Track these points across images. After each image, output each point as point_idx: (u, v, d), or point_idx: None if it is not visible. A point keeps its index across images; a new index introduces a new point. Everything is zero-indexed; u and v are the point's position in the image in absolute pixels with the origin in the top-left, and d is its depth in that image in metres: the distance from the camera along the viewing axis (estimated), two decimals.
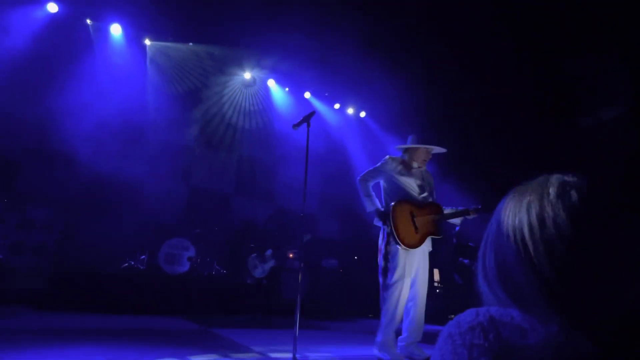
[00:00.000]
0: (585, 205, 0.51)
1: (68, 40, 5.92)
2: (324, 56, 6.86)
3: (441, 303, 6.82)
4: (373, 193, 3.00)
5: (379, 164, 3.04)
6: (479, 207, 2.82)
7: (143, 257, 5.53)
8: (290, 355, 2.48)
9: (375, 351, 2.77)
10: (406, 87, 6.76)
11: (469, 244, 5.57)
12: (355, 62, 6.79)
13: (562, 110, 5.43)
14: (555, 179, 0.56)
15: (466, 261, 5.54)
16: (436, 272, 7.56)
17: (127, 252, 5.55)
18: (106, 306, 4.47)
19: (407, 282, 2.77)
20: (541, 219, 0.52)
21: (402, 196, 2.90)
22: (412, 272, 2.81)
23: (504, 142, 5.60)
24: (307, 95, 7.90)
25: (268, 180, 7.63)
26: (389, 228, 2.79)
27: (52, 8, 5.78)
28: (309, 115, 2.83)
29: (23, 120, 5.48)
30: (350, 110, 8.30)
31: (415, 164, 3.02)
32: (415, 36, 6.04)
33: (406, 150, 3.09)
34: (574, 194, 0.52)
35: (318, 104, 7.89)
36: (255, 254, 5.86)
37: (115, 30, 6.33)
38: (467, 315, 0.52)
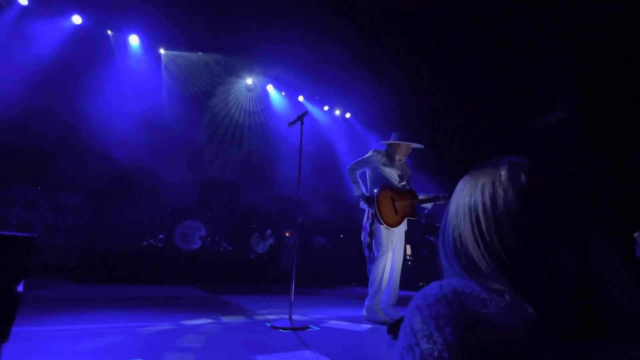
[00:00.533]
0: (531, 185, 0.50)
1: (91, 48, 5.77)
2: (315, 65, 6.81)
3: (412, 273, 6.96)
4: (360, 180, 3.05)
5: (365, 155, 3.09)
6: (447, 194, 2.91)
7: (161, 236, 5.51)
8: (286, 316, 2.53)
9: (363, 313, 2.86)
10: (386, 92, 6.77)
11: (436, 224, 5.67)
12: (342, 70, 6.77)
13: (519, 110, 5.45)
14: (505, 162, 0.54)
15: (432, 238, 5.65)
16: (408, 247, 7.70)
17: (147, 232, 5.52)
18: (130, 278, 4.48)
19: (389, 256, 2.87)
20: (493, 199, 0.50)
21: (385, 184, 2.97)
22: (392, 247, 2.90)
23: (470, 138, 5.65)
24: (301, 98, 7.84)
25: (269, 171, 7.62)
26: (374, 210, 2.85)
27: (77, 20, 5.61)
28: (302, 115, 2.83)
29: (54, 117, 5.35)
30: (337, 112, 8.28)
31: (397, 157, 3.07)
32: (394, 46, 6.02)
33: (390, 145, 3.13)
34: (522, 176, 0.51)
35: (310, 106, 7.86)
36: (257, 233, 5.88)
37: (133, 40, 6.17)
38: (432, 288, 0.48)
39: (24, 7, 5.26)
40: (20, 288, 1.52)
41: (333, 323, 2.61)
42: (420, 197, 3.03)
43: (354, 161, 3.10)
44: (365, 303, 2.87)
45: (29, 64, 5.10)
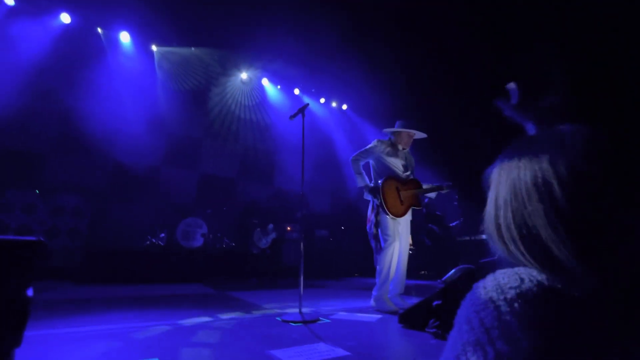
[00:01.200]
0: (608, 148, 0.43)
1: (82, 47, 5.64)
2: (309, 56, 6.73)
3: (413, 262, 7.01)
4: (363, 171, 3.02)
5: (369, 146, 3.04)
6: (450, 183, 2.92)
7: (162, 235, 5.48)
8: (296, 309, 2.53)
9: (372, 303, 2.87)
10: (383, 82, 6.72)
11: (436, 212, 5.70)
12: (337, 61, 6.70)
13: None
14: (569, 130, 0.46)
15: (435, 227, 5.68)
16: (409, 237, 7.74)
17: (148, 231, 5.49)
18: (134, 278, 4.46)
19: (396, 246, 2.85)
20: (568, 167, 0.42)
21: (389, 174, 2.94)
22: (398, 236, 2.89)
23: (468, 130, 5.64)
24: (297, 91, 7.77)
25: (267, 165, 7.57)
26: (379, 201, 2.83)
27: (65, 19, 5.48)
28: (303, 108, 2.79)
29: (46, 118, 5.25)
30: (334, 104, 8.23)
31: (400, 146, 3.03)
32: (391, 35, 5.95)
33: (393, 134, 3.08)
34: (594, 143, 0.43)
35: (306, 99, 7.79)
36: (259, 229, 5.88)
37: (125, 37, 6.04)
38: (508, 280, 0.41)
39: (11, 8, 5.12)
40: (30, 292, 1.50)
41: (342, 314, 2.62)
42: (425, 186, 3.03)
43: (355, 152, 3.07)
44: (373, 293, 2.88)
45: (19, 65, 4.98)
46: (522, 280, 0.40)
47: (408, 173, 3.04)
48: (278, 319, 2.40)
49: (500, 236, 0.48)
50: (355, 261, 7.09)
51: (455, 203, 5.23)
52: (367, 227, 3.00)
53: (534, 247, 0.44)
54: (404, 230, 2.96)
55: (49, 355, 1.52)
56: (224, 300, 3.23)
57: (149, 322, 2.20)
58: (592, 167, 0.42)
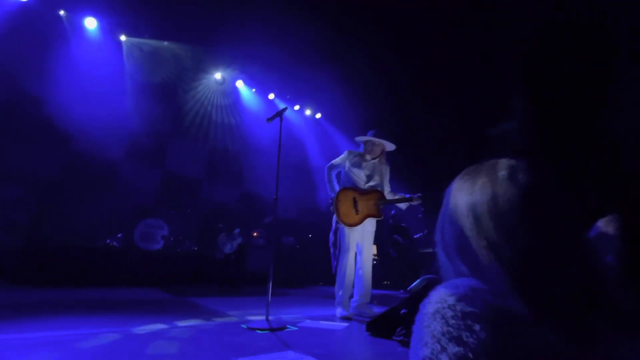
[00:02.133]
0: (531, 183, 0.50)
1: (41, 29, 5.20)
2: (287, 63, 6.74)
3: (377, 272, 7.14)
4: (334, 180, 3.08)
5: (340, 156, 3.12)
6: (420, 194, 2.96)
7: (119, 235, 5.11)
8: (263, 317, 2.46)
9: (336, 309, 2.91)
10: (358, 93, 6.88)
11: (402, 224, 5.87)
12: (314, 69, 6.77)
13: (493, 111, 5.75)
14: (504, 162, 0.54)
15: (399, 238, 5.84)
16: (373, 247, 7.89)
17: (103, 231, 5.09)
18: (85, 281, 4.09)
19: (351, 254, 2.91)
20: (494, 197, 0.50)
21: (349, 184, 3.01)
22: (354, 245, 2.95)
23: (444, 140, 5.86)
24: (271, 96, 7.72)
25: (236, 168, 7.39)
26: (333, 209, 2.92)
27: None
28: (282, 111, 2.77)
29: None
30: (308, 112, 8.28)
31: (368, 157, 3.06)
32: (366, 47, 6.12)
33: (363, 144, 3.13)
34: (522, 175, 0.51)
35: (281, 105, 7.76)
36: (224, 233, 5.68)
37: (90, 23, 5.67)
38: (447, 290, 0.46)
39: None
40: None
41: (309, 322, 2.59)
42: (391, 197, 3.06)
43: (329, 162, 3.15)
44: (335, 300, 2.94)
45: None
46: (456, 287, 0.46)
47: (372, 184, 3.04)
48: (243, 326, 2.31)
49: (444, 247, 0.56)
50: (321, 269, 7.06)
51: (420, 215, 5.43)
52: (330, 235, 3.06)
53: (466, 255, 0.50)
54: (365, 240, 2.98)
55: None
56: (184, 307, 3.05)
57: (99, 329, 2.01)
58: (509, 195, 0.49)
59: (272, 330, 2.20)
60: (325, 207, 3.05)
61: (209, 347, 1.77)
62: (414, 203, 2.99)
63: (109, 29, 5.84)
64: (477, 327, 0.40)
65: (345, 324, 2.58)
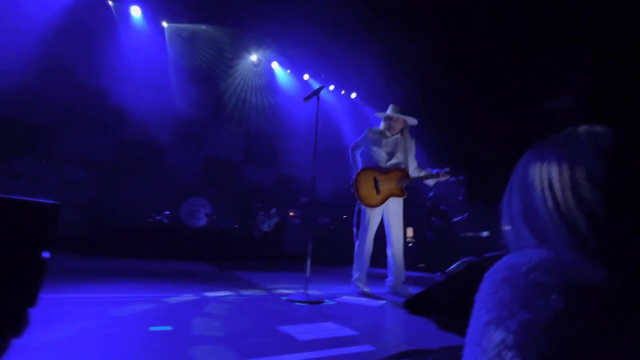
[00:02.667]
0: (614, 150, 0.47)
1: (93, 20, 5.55)
2: (322, 43, 6.62)
3: (413, 255, 7.06)
4: (359, 160, 3.04)
5: (361, 135, 3.09)
6: (447, 169, 2.74)
7: (167, 212, 5.50)
8: (302, 290, 2.55)
9: (352, 286, 2.95)
10: (393, 73, 6.63)
11: (440, 207, 5.69)
12: (350, 49, 6.60)
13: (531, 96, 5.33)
14: (583, 129, 0.52)
15: (437, 221, 5.68)
16: (410, 230, 7.77)
17: (153, 209, 5.51)
18: (137, 253, 4.50)
19: (370, 234, 2.88)
20: (572, 165, 0.48)
21: (370, 164, 2.93)
22: (374, 226, 2.90)
23: (480, 124, 5.56)
24: (306, 77, 7.68)
25: (271, 150, 7.54)
26: (353, 191, 2.88)
27: None
28: (319, 89, 2.76)
29: (58, 91, 5.21)
30: (342, 91, 8.15)
31: (388, 133, 2.93)
32: (404, 25, 5.83)
33: (384, 119, 2.99)
34: (603, 142, 0.48)
35: (315, 85, 7.70)
36: (262, 212, 5.90)
37: (135, 11, 5.93)
38: (519, 259, 0.46)
39: None
40: (47, 255, 1.50)
41: (347, 298, 2.65)
42: (416, 175, 2.90)
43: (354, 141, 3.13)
44: (352, 277, 2.97)
45: (30, 36, 4.90)
46: (529, 257, 0.45)
47: (394, 161, 2.90)
48: (283, 298, 2.42)
49: (510, 215, 0.56)
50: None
51: (461, 198, 5.22)
52: (354, 215, 3.05)
53: (532, 224, 0.50)
54: (393, 220, 2.92)
55: (63, 317, 1.54)
56: (227, 279, 3.26)
57: (158, 294, 2.22)
58: (589, 166, 0.46)
59: (310, 303, 2.28)
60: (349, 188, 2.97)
61: (253, 314, 1.88)
62: (441, 179, 2.80)
63: (152, 16, 6.08)
64: (553, 296, 0.40)
65: (383, 302, 2.60)
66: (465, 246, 5.33)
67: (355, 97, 8.29)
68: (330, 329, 1.68)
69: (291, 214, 6.61)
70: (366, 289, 2.83)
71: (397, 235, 2.95)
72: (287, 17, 5.94)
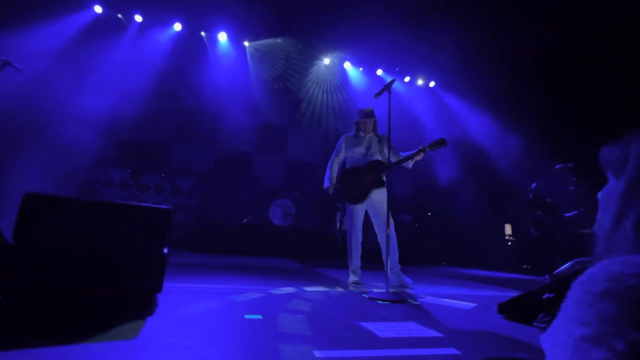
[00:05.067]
0: None
1: (190, 50, 6.52)
2: (391, 35, 6.42)
3: (513, 254, 6.27)
4: (335, 171, 3.22)
5: (338, 145, 3.25)
6: (422, 147, 2.85)
7: (257, 213, 6.09)
8: (384, 290, 2.54)
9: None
10: (471, 57, 6.06)
11: (547, 199, 4.91)
12: (420, 38, 6.27)
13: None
14: None
15: (545, 216, 4.92)
16: (507, 227, 6.92)
17: (246, 210, 6.16)
18: (234, 249, 5.09)
19: (357, 229, 3.02)
20: None
21: (350, 164, 3.13)
22: (361, 221, 3.04)
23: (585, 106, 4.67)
24: (379, 72, 7.54)
25: None
26: (340, 195, 3.12)
27: (177, 27, 6.37)
28: (390, 84, 2.70)
29: (167, 115, 6.32)
30: (420, 82, 7.74)
31: (362, 133, 3.15)
32: (476, 9, 5.27)
33: (355, 123, 3.20)
34: None
35: (389, 79, 7.50)
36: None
37: (222, 37, 6.72)
38: (623, 268, 0.40)
39: (139, 23, 6.21)
40: (166, 250, 1.84)
41: (431, 299, 2.52)
42: (395, 159, 3.00)
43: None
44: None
45: (145, 72, 6.04)
46: (637, 266, 0.39)
47: (372, 157, 3.07)
48: (365, 295, 2.44)
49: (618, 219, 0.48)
50: (443, 249, 6.69)
51: (572, 188, 4.42)
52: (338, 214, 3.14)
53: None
54: (378, 211, 2.97)
55: (179, 302, 1.86)
56: (311, 275, 3.43)
57: (250, 286, 2.49)
58: None
59: (392, 301, 2.25)
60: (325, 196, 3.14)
61: (335, 310, 1.96)
62: (418, 159, 2.89)
63: (235, 38, 6.81)
64: None
65: (474, 304, 2.40)
66: (580, 245, 4.49)
67: (434, 86, 7.79)
68: (412, 328, 1.64)
69: None
70: (356, 278, 2.96)
71: (383, 224, 2.90)
72: (354, 14, 5.96)
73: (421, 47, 6.63)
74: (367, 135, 3.15)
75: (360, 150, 3.11)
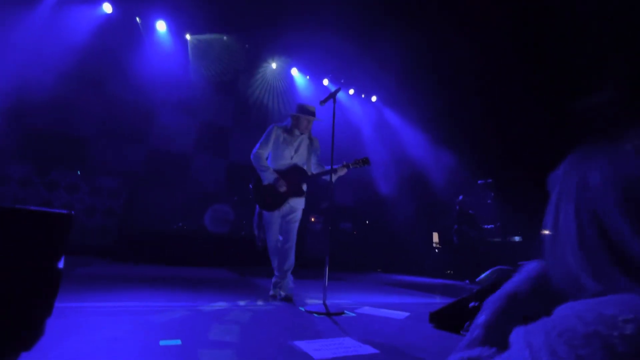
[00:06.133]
0: None
1: (122, 36, 5.80)
2: (340, 47, 6.56)
3: (440, 261, 6.75)
4: (266, 163, 2.75)
5: (265, 134, 2.82)
6: (345, 163, 2.70)
7: (191, 219, 5.59)
8: (319, 301, 2.44)
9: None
10: (414, 74, 6.46)
11: (469, 211, 5.38)
12: (368, 53, 6.51)
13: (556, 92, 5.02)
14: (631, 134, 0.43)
15: (466, 228, 5.36)
16: (435, 235, 7.44)
17: (179, 215, 5.62)
18: (163, 259, 4.56)
19: (274, 235, 2.78)
20: (627, 177, 0.39)
21: (273, 163, 2.78)
22: (276, 227, 2.79)
23: (505, 124, 5.25)
24: (326, 82, 7.63)
25: None
26: (253, 197, 2.79)
27: (107, 8, 5.64)
28: (335, 92, 2.66)
29: (89, 104, 5.48)
30: (363, 95, 8.02)
31: (297, 131, 2.81)
32: (422, 23, 5.66)
33: (292, 117, 2.86)
34: None
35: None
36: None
37: (161, 26, 6.14)
38: (618, 312, 0.33)
39: None
40: (61, 264, 1.49)
41: (368, 309, 2.50)
42: (318, 171, 2.82)
43: (259, 143, 2.82)
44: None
45: (65, 53, 5.19)
46: (630, 307, 0.33)
47: (297, 160, 2.80)
48: (301, 309, 2.32)
49: (585, 247, 0.42)
50: (378, 256, 6.92)
51: (490, 201, 4.90)
52: (255, 217, 2.95)
53: (625, 260, 0.37)
54: (290, 217, 2.74)
55: (76, 327, 1.52)
56: (247, 287, 3.20)
57: (174, 303, 2.19)
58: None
59: (329, 314, 2.16)
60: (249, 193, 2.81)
61: (269, 328, 1.79)
62: (341, 174, 2.69)
63: (176, 30, 6.27)
64: None
65: (407, 314, 2.43)
66: (495, 252, 4.99)
67: (376, 100, 8.13)
68: (347, 345, 1.56)
69: (312, 219, 6.52)
70: (282, 293, 2.68)
71: (292, 231, 2.74)
72: (305, 23, 5.94)
73: (368, 62, 6.88)
74: (302, 135, 2.83)
75: (289, 151, 2.77)
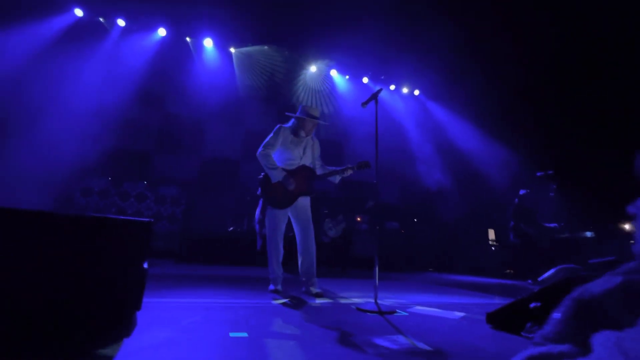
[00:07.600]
0: None
1: (174, 56, 6.40)
2: (378, 44, 6.52)
3: (496, 259, 6.37)
4: (273, 162, 2.79)
5: (272, 134, 2.88)
6: (349, 165, 2.82)
7: (244, 222, 5.96)
8: (370, 300, 2.50)
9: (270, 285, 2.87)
10: (455, 66, 6.20)
11: (527, 206, 5.00)
12: (406, 47, 6.39)
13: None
14: None
15: (522, 226, 5.00)
16: (491, 232, 7.03)
17: (231, 219, 6.03)
18: (220, 259, 4.95)
19: (280, 234, 2.83)
20: None
21: (280, 163, 2.84)
22: (283, 225, 2.85)
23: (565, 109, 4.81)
24: (365, 80, 7.61)
25: (336, 156, 7.62)
26: (261, 194, 2.86)
27: (162, 32, 6.25)
28: (377, 93, 2.70)
29: (150, 121, 6.16)
30: (404, 90, 7.85)
31: (302, 133, 2.89)
32: (458, 17, 5.42)
33: (296, 119, 2.91)
34: None
35: (376, 88, 7.58)
36: (328, 218, 5.97)
37: (208, 43, 6.64)
38: None
39: (122, 28, 6.06)
40: (145, 265, 1.75)
41: (420, 309, 2.50)
42: (323, 172, 2.91)
43: (264, 142, 2.85)
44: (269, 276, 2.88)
45: (128, 77, 5.89)
46: None
47: (304, 162, 2.90)
48: (353, 307, 2.40)
49: None
50: (429, 255, 6.74)
51: (552, 194, 4.53)
52: (257, 212, 2.92)
53: None
54: (302, 216, 2.84)
55: (161, 319, 1.77)
56: (300, 285, 3.35)
57: (236, 299, 2.40)
58: None
59: (381, 313, 2.21)
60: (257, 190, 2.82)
61: (324, 325, 1.90)
62: (348, 174, 2.83)
63: (221, 44, 6.74)
64: None
65: (462, 314, 2.39)
66: (562, 250, 4.59)
67: (419, 94, 7.92)
68: (401, 343, 1.60)
69: (358, 219, 6.56)
70: (278, 287, 2.80)
71: (305, 235, 2.83)
72: (342, 23, 6.02)
73: (408, 56, 6.75)
74: (307, 137, 2.94)
75: (298, 151, 2.87)
